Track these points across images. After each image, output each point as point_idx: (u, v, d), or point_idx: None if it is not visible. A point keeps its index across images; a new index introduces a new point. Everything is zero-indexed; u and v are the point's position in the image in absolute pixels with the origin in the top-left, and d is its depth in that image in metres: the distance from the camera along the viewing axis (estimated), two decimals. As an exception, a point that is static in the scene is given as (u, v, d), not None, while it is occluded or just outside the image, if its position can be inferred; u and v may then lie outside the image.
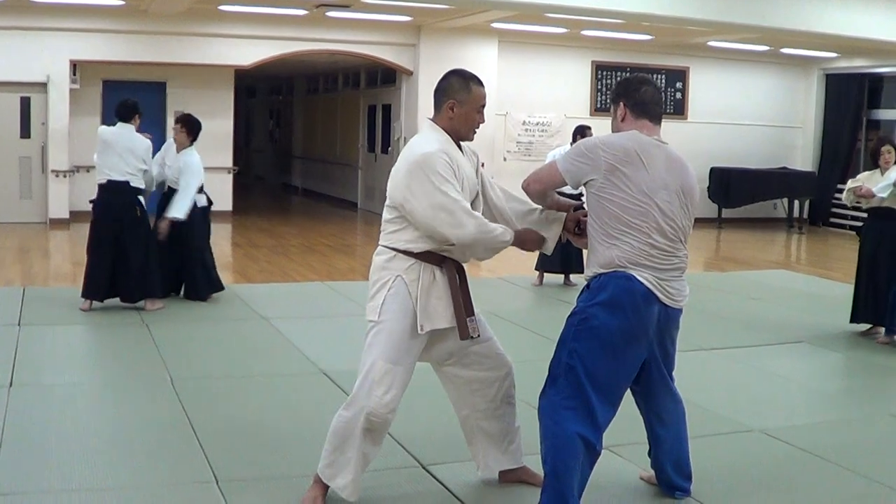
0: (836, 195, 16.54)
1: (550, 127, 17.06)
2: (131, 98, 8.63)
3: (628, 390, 4.22)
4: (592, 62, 17.58)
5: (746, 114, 18.71)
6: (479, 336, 4.25)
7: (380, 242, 4.24)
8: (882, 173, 8.10)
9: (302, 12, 14.62)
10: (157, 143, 9.01)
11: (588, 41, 16.84)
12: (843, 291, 9.59)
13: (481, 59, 15.78)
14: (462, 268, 4.23)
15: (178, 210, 8.47)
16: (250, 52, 15.66)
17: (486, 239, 4.06)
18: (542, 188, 4.27)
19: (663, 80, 17.96)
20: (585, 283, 4.13)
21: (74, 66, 14.90)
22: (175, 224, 8.49)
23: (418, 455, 4.95)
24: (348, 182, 20.15)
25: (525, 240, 4.31)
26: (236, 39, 15.48)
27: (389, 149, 17.74)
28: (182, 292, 9.08)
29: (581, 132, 9.83)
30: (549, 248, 4.41)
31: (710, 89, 18.35)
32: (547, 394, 4.06)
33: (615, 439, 4.57)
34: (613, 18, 14.12)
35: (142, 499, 4.35)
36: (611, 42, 16.92)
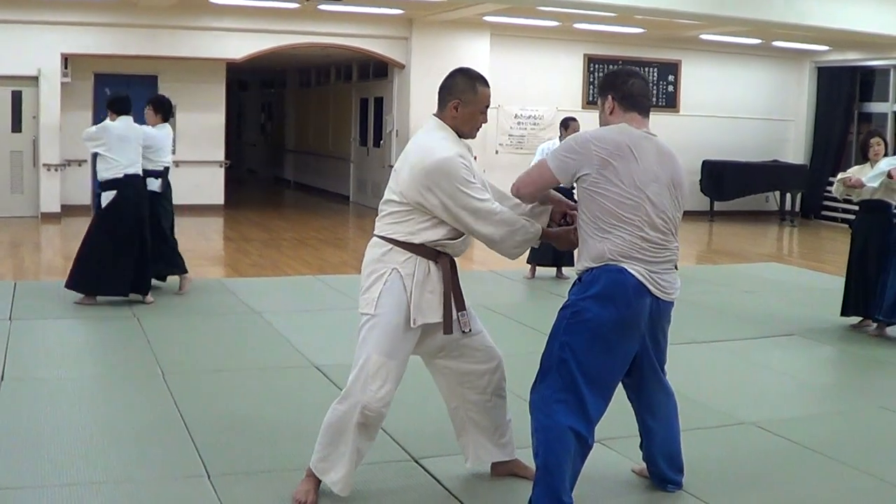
0: (828, 188, 16.52)
1: (543, 120, 17.05)
2: (123, 91, 8.69)
3: (620, 384, 4.23)
4: (584, 55, 17.57)
5: (738, 107, 18.71)
6: (470, 330, 4.25)
7: (375, 233, 4.22)
8: (872, 166, 8.11)
9: (294, 5, 14.59)
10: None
11: (580, 34, 16.83)
12: (834, 284, 9.60)
13: (473, 53, 15.75)
14: (455, 263, 4.23)
15: None
16: (242, 46, 15.62)
17: (514, 232, 4.10)
18: (534, 191, 4.21)
19: (655, 74, 17.97)
20: (577, 276, 4.12)
21: (66, 59, 14.85)
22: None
23: (410, 448, 4.95)
24: (340, 175, 20.12)
25: (551, 235, 4.32)
26: (228, 33, 15.44)
27: (382, 142, 17.71)
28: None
29: (565, 125, 10.02)
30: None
31: (701, 82, 18.34)
32: (539, 387, 4.06)
33: (607, 432, 4.57)
34: (605, 11, 14.14)
35: (133, 493, 4.35)
36: (603, 35, 16.91)
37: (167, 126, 9.12)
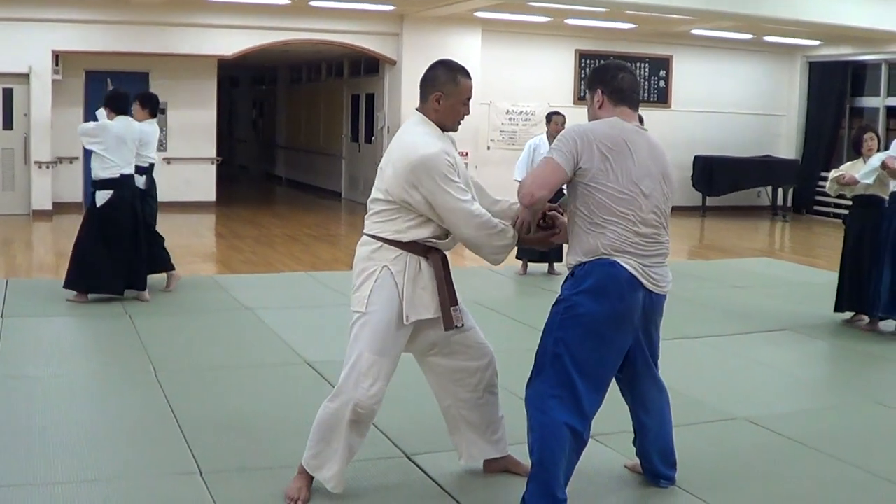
0: (820, 183, 16.58)
1: (534, 116, 17.03)
2: (122, 88, 8.71)
3: (613, 379, 4.22)
4: (576, 51, 17.58)
5: (730, 102, 18.72)
6: (463, 326, 4.24)
7: (365, 231, 4.21)
8: (865, 161, 8.11)
9: (285, 1, 14.57)
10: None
11: (571, 30, 16.84)
12: (827, 279, 9.61)
13: (465, 49, 15.73)
14: (446, 258, 4.22)
15: None
16: (233, 42, 15.59)
17: (491, 236, 4.06)
18: (549, 192, 3.99)
19: (647, 69, 17.97)
20: (569, 271, 4.11)
21: (57, 56, 14.81)
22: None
23: (402, 445, 4.95)
24: (332, 172, 20.11)
25: (529, 239, 4.29)
26: (219, 29, 15.41)
27: (373, 138, 17.70)
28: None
29: (549, 119, 10.35)
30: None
31: (693, 77, 18.35)
32: (533, 383, 4.05)
33: (600, 428, 4.56)
34: (597, 7, 14.15)
35: (125, 490, 4.34)
36: (594, 31, 16.92)
37: (154, 122, 9.13)
